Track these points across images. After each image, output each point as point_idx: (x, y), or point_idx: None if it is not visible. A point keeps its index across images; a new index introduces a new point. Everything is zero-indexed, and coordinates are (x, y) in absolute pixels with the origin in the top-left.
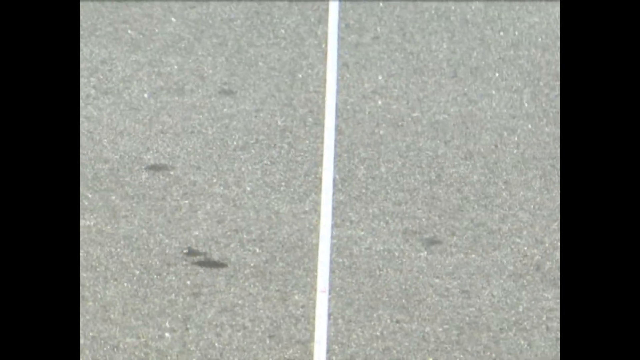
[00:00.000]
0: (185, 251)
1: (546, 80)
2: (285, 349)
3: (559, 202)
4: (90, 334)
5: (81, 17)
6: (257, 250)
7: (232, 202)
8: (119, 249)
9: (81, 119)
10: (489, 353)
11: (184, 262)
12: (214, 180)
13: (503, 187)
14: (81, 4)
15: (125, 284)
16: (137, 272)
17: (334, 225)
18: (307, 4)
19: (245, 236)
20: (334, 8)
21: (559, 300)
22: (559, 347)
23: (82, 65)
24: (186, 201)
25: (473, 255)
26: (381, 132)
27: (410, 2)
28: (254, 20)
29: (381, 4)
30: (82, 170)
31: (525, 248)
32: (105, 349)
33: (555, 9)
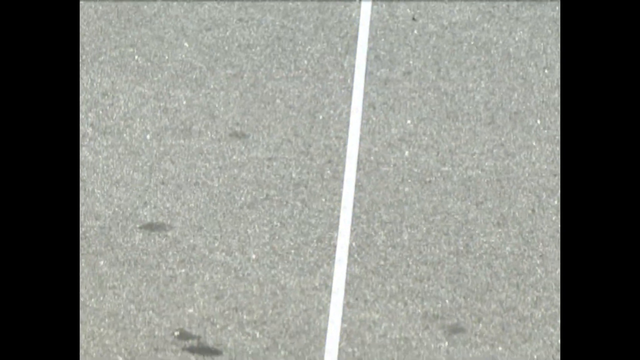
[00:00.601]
0: (176, 334)
1: None
2: None
3: None
4: None
5: (85, 40)
6: (258, 334)
7: (233, 273)
8: (102, 329)
9: None
10: None
11: (174, 347)
12: (216, 244)
13: (538, 262)
14: (86, 23)
15: None
16: (120, 358)
17: (346, 305)
18: (334, 29)
19: (245, 316)
20: (363, 35)
21: None
22: None
23: (80, 98)
24: (183, 270)
25: (500, 348)
26: (406, 189)
27: (448, 31)
28: (275, 48)
29: (415, 32)
30: None
31: (560, 341)
32: None
33: None
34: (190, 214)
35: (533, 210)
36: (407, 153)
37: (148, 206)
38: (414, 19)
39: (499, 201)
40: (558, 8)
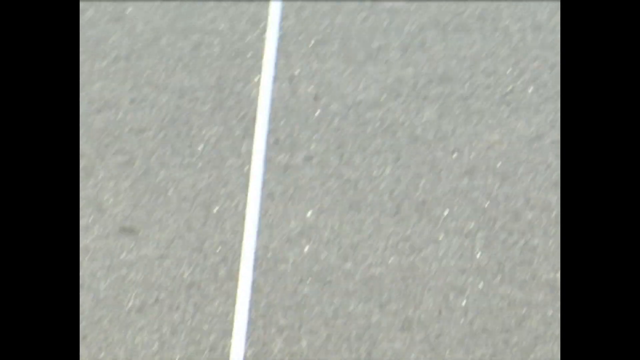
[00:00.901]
0: None
1: (503, 220)
2: None
3: None
4: None
5: None
6: None
7: None
8: None
9: None
10: None
11: None
12: (101, 355)
13: None
14: None
15: None
16: None
17: None
18: (232, 110)
19: None
20: (263, 117)
21: None
22: None
23: None
24: None
25: None
26: (305, 290)
27: (352, 111)
28: (169, 132)
29: (318, 112)
30: None
31: None
32: None
33: (519, 124)
34: None
35: (439, 312)
36: (306, 249)
37: None
38: (316, 97)
39: (404, 302)
40: (467, 85)
